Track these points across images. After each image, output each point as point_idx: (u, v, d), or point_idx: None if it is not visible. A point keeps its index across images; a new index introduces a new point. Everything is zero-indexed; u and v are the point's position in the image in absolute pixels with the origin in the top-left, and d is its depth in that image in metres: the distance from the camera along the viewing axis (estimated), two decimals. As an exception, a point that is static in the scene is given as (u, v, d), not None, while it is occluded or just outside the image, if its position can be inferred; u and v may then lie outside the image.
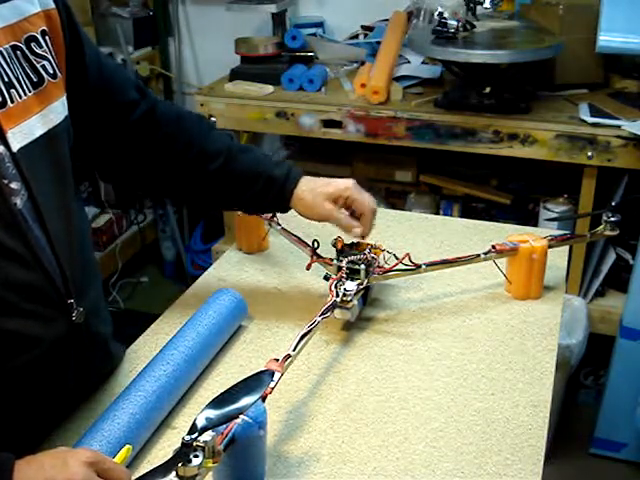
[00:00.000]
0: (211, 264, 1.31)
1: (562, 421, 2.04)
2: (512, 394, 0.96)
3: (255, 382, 0.77)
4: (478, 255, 1.14)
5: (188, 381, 0.96)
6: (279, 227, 1.24)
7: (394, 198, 2.42)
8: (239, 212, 1.28)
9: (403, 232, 1.38)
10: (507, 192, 2.25)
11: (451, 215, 2.26)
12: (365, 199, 1.07)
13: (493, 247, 1.15)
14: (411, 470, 0.85)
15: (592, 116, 1.87)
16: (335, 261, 1.10)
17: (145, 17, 2.72)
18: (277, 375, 0.83)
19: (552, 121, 1.90)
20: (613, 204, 1.17)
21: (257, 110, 2.15)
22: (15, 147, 0.80)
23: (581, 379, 2.28)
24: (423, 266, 1.11)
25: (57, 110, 0.88)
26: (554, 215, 2.02)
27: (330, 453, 0.87)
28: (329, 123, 2.09)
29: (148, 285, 2.91)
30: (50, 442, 0.87)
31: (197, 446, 0.68)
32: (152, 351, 0.99)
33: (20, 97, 0.82)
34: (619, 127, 1.82)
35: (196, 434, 0.68)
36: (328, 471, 0.84)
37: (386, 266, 1.10)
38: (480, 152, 1.97)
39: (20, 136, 0.81)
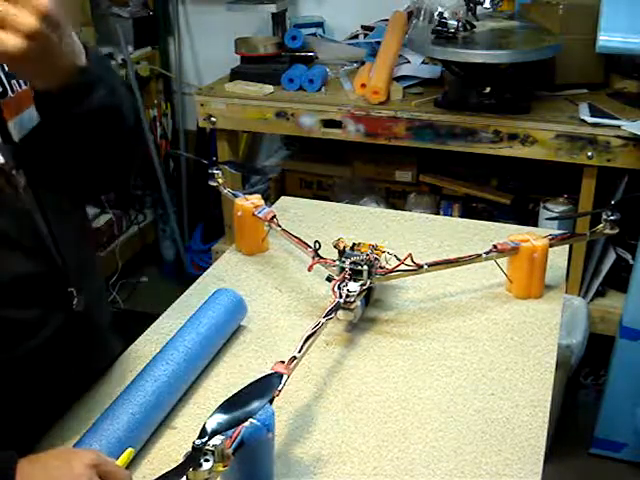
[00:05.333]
0: (211, 264, 1.31)
1: (562, 421, 2.04)
2: (512, 394, 0.96)
3: (264, 385, 0.77)
4: (479, 255, 1.14)
5: (188, 381, 0.96)
6: (279, 228, 1.24)
7: (394, 198, 2.42)
8: (239, 212, 1.28)
9: (403, 232, 1.38)
10: (507, 192, 2.25)
11: (451, 215, 2.26)
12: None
13: (494, 247, 1.15)
14: (411, 470, 0.84)
15: (592, 116, 1.88)
16: (337, 262, 1.10)
17: (145, 17, 2.72)
18: (284, 377, 0.82)
19: (552, 121, 1.90)
20: (613, 202, 1.17)
21: (257, 110, 2.15)
22: (16, 137, 0.81)
23: (581, 379, 2.28)
24: (425, 266, 1.11)
25: None
26: (554, 214, 2.02)
27: (330, 453, 0.87)
28: (329, 123, 2.09)
29: (148, 285, 2.91)
30: (50, 441, 0.87)
31: (207, 450, 0.68)
32: (152, 351, 0.99)
33: (20, 87, 0.83)
34: (619, 127, 1.82)
35: (206, 438, 0.68)
36: (328, 471, 0.84)
37: (388, 267, 1.10)
38: (480, 152, 1.98)
39: (20, 126, 0.82)
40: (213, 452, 0.68)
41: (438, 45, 1.87)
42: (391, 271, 1.09)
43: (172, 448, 0.88)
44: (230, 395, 0.73)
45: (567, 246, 1.30)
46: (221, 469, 0.69)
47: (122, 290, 2.82)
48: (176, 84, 2.86)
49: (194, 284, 1.23)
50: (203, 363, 1.00)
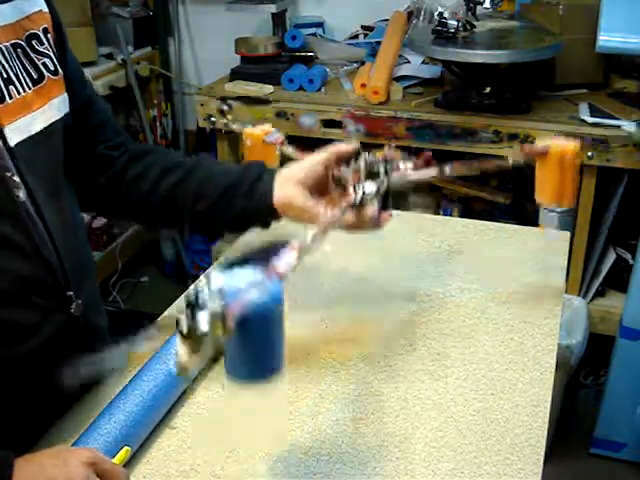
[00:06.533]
0: (211, 264, 1.31)
1: (562, 421, 2.04)
2: (512, 394, 0.96)
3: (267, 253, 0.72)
4: (504, 158, 1.05)
5: (186, 380, 0.96)
6: (291, 149, 1.15)
7: (394, 198, 2.41)
8: (248, 141, 1.19)
9: (403, 232, 1.38)
10: (507, 192, 2.25)
11: (451, 215, 2.26)
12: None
13: (522, 149, 1.09)
14: (411, 470, 0.84)
15: (592, 116, 1.88)
16: (352, 162, 0.99)
17: (145, 17, 2.72)
18: (292, 255, 0.74)
19: (552, 121, 1.90)
20: None
21: (257, 110, 2.15)
22: (13, 142, 0.81)
23: (581, 379, 2.28)
24: (447, 169, 1.02)
25: (57, 107, 0.89)
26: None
27: (330, 453, 0.87)
28: (329, 123, 2.09)
29: (148, 285, 2.91)
30: (48, 441, 0.87)
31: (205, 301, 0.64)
32: (152, 351, 0.99)
33: (19, 93, 0.83)
34: (619, 127, 1.82)
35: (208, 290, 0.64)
36: (328, 471, 0.84)
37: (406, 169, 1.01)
38: (480, 152, 1.97)
39: (18, 132, 0.82)
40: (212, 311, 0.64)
41: (438, 45, 1.87)
42: (411, 169, 1.01)
43: (171, 448, 0.88)
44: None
45: (567, 246, 1.30)
46: (219, 332, 0.64)
47: (122, 290, 2.82)
48: (176, 84, 2.86)
49: (194, 284, 1.23)
50: (202, 362, 0.99)
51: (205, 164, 1.01)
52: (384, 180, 0.99)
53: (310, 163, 0.97)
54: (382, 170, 0.99)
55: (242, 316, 0.66)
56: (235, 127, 1.28)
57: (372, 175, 0.99)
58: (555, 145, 1.05)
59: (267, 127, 1.23)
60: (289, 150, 1.16)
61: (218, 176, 0.99)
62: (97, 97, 1.02)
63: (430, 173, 1.02)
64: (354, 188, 0.97)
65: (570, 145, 1.06)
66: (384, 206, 1.02)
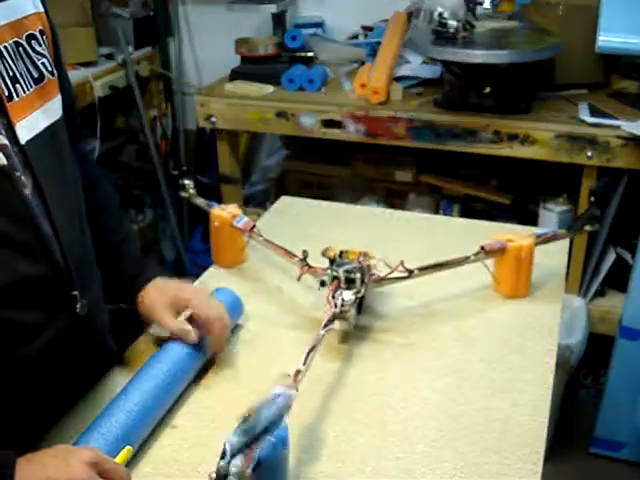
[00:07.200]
0: (211, 264, 1.31)
1: (562, 421, 2.05)
2: (512, 394, 0.96)
3: (275, 402, 0.76)
4: (468, 257, 1.15)
5: (186, 379, 0.96)
6: (261, 238, 1.19)
7: (394, 198, 2.42)
8: (215, 223, 1.24)
9: (403, 232, 1.38)
10: (507, 192, 2.25)
11: (451, 215, 2.26)
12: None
13: (482, 248, 1.15)
14: (411, 470, 0.85)
15: (592, 116, 1.88)
16: (330, 271, 1.06)
17: (145, 17, 2.72)
18: (293, 392, 0.79)
19: (552, 121, 1.90)
20: (592, 199, 1.18)
21: (257, 110, 2.15)
22: (23, 139, 0.81)
23: (581, 379, 2.28)
24: (415, 271, 1.10)
25: (55, 106, 0.90)
26: (554, 214, 2.03)
27: (330, 453, 0.87)
28: (329, 123, 2.09)
29: (148, 285, 2.90)
30: (49, 441, 0.87)
31: (230, 471, 0.68)
32: (152, 351, 0.99)
33: (24, 92, 0.83)
34: (619, 127, 1.82)
35: (228, 457, 0.68)
36: (328, 471, 0.84)
37: (378, 272, 1.08)
38: (480, 152, 1.97)
39: (27, 129, 0.82)
40: (236, 474, 0.68)
41: (438, 45, 1.87)
42: (383, 279, 1.08)
43: (172, 447, 0.88)
44: (244, 414, 0.72)
45: (567, 246, 1.30)
46: None
47: (122, 290, 2.82)
48: (176, 84, 2.86)
49: (194, 284, 1.23)
50: (201, 361, 1.00)
51: (114, 244, 1.07)
52: (361, 289, 1.04)
53: (180, 292, 1.07)
54: (359, 277, 1.04)
55: (256, 463, 0.71)
56: (199, 202, 1.28)
57: (349, 282, 1.04)
58: (511, 245, 1.14)
59: (233, 208, 1.24)
60: (259, 239, 1.19)
61: (115, 259, 1.07)
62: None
63: (402, 277, 1.10)
64: (333, 297, 1.01)
65: (526, 242, 1.15)
66: (358, 311, 1.08)
